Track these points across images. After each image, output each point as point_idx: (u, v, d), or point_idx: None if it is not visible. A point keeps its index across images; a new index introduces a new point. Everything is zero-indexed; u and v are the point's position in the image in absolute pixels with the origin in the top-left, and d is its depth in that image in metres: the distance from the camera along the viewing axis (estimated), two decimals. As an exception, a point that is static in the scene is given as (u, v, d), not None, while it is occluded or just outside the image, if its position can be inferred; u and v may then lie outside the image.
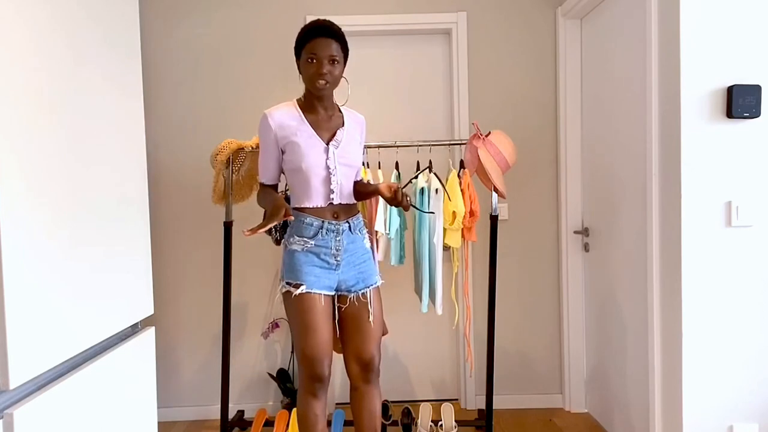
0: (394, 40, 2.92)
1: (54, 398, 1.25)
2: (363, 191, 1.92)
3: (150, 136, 2.81)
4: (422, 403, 2.64)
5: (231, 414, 2.80)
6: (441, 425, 2.56)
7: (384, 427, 2.46)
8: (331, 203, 1.82)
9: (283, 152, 1.82)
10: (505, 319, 2.91)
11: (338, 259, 1.81)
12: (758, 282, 1.85)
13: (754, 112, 1.79)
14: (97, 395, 1.44)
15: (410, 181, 1.94)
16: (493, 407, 2.56)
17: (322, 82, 1.75)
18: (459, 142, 2.45)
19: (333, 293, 1.85)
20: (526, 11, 2.84)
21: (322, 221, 1.80)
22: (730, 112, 1.80)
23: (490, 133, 2.34)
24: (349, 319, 1.87)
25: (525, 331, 2.93)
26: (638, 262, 2.22)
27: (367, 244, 1.93)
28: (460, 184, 2.33)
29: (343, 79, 1.85)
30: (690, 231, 1.83)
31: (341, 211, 1.84)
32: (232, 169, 2.43)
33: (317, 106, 1.84)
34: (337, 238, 1.81)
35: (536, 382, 2.93)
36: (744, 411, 1.86)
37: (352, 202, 1.89)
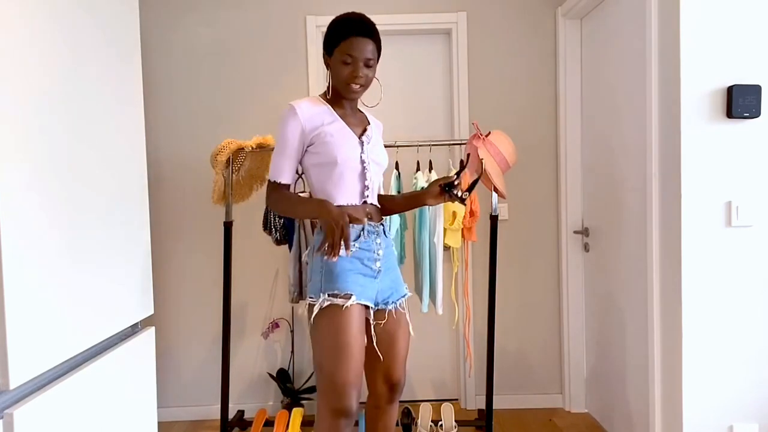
0: (394, 40, 2.92)
1: (54, 398, 1.25)
2: (401, 202, 1.79)
3: (150, 137, 2.81)
4: (422, 403, 2.64)
5: (231, 414, 2.80)
6: (441, 425, 2.55)
7: (384, 427, 2.46)
8: (365, 201, 1.66)
9: (308, 146, 1.63)
10: (505, 319, 2.91)
11: (379, 265, 1.64)
12: (758, 282, 1.85)
13: (754, 112, 1.79)
14: (97, 395, 1.44)
15: (458, 175, 1.70)
16: (493, 407, 2.56)
17: (357, 87, 1.61)
18: (459, 142, 2.45)
19: (373, 305, 1.66)
20: (526, 11, 2.85)
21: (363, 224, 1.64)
22: (730, 112, 1.80)
23: (490, 133, 2.34)
24: (384, 336, 1.68)
25: (525, 331, 2.93)
26: (638, 262, 2.22)
27: (394, 248, 1.79)
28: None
29: (374, 79, 1.70)
30: (690, 231, 1.83)
31: (373, 213, 1.68)
32: (232, 169, 2.43)
33: (345, 104, 1.71)
34: (377, 241, 1.65)
35: (536, 382, 2.93)
36: (744, 411, 1.86)
37: (378, 205, 1.75)
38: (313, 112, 1.62)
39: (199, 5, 2.82)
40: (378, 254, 1.64)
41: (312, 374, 2.86)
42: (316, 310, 1.54)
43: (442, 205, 2.32)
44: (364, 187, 1.65)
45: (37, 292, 1.21)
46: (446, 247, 2.46)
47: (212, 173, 2.49)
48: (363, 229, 1.61)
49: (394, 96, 2.94)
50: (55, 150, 1.29)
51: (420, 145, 2.44)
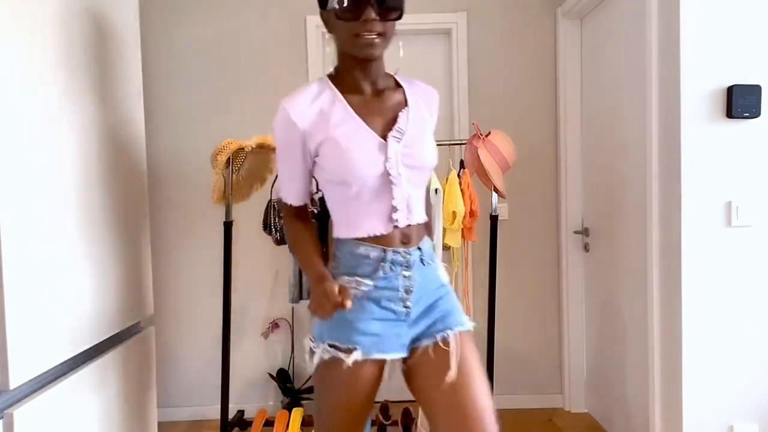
0: (395, 40, 2.92)
1: (54, 398, 1.25)
2: None
3: (150, 137, 2.81)
4: (422, 403, 2.63)
5: (231, 414, 2.80)
6: (441, 425, 2.55)
7: (384, 427, 2.46)
8: (396, 227, 1.20)
9: (315, 156, 1.20)
10: (505, 319, 2.90)
11: (408, 304, 1.20)
12: (758, 282, 1.85)
13: (754, 112, 1.79)
14: (97, 395, 1.44)
15: None
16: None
17: (370, 36, 1.12)
18: (459, 142, 2.45)
19: (404, 355, 1.22)
20: (526, 11, 2.84)
21: (384, 250, 1.19)
22: (730, 112, 1.80)
23: (489, 133, 2.34)
24: (431, 387, 1.17)
25: (525, 331, 2.93)
26: (638, 262, 2.22)
27: (444, 277, 1.30)
28: (460, 184, 2.33)
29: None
30: (690, 231, 1.83)
31: (412, 233, 1.23)
32: (232, 169, 2.43)
33: (360, 80, 1.22)
34: (406, 274, 1.20)
35: (536, 382, 2.93)
36: (744, 411, 1.86)
37: (423, 221, 1.28)
38: (314, 109, 1.18)
39: (199, 5, 2.82)
40: (405, 293, 1.20)
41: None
42: (315, 360, 1.20)
43: (441, 205, 2.32)
44: (392, 210, 1.19)
45: (37, 292, 1.21)
46: (446, 247, 2.46)
47: (212, 173, 2.49)
48: (384, 260, 1.19)
49: (394, 96, 2.93)
50: (55, 150, 1.29)
51: (420, 145, 2.43)
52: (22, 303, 1.16)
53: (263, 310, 2.89)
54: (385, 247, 1.19)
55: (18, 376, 1.14)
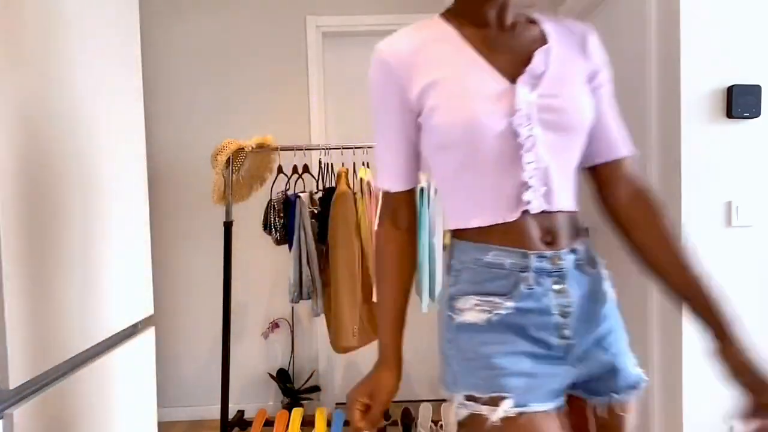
0: None
1: (54, 398, 1.25)
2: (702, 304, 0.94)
3: (150, 137, 2.81)
4: (422, 403, 2.64)
5: (231, 414, 2.80)
6: (441, 425, 2.55)
7: (384, 427, 2.46)
8: (526, 211, 0.84)
9: (419, 113, 0.87)
10: (505, 319, 2.90)
11: (566, 333, 0.85)
12: (758, 282, 1.85)
13: (754, 112, 1.79)
14: (97, 395, 1.44)
15: None
16: (493, 407, 2.56)
17: None
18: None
19: (560, 404, 0.87)
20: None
21: (524, 255, 0.83)
22: (730, 112, 1.80)
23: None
24: None
25: (525, 331, 2.92)
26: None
27: (611, 292, 0.95)
28: (460, 184, 2.33)
29: None
30: (690, 231, 1.83)
31: (560, 227, 0.86)
32: (232, 169, 2.43)
33: (483, 7, 0.87)
34: (558, 288, 0.84)
35: (536, 382, 2.93)
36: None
37: (572, 209, 0.90)
38: (413, 45, 0.86)
39: (198, 5, 2.82)
40: (561, 316, 0.84)
41: (312, 374, 2.86)
42: (452, 419, 0.88)
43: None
44: (522, 186, 0.83)
45: (37, 292, 1.21)
46: (446, 247, 2.46)
47: (212, 173, 2.49)
48: (527, 269, 0.83)
49: (394, 96, 2.93)
50: (54, 151, 1.29)
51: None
52: (22, 303, 1.16)
53: (263, 310, 2.89)
54: (525, 251, 0.83)
55: (18, 376, 1.14)
